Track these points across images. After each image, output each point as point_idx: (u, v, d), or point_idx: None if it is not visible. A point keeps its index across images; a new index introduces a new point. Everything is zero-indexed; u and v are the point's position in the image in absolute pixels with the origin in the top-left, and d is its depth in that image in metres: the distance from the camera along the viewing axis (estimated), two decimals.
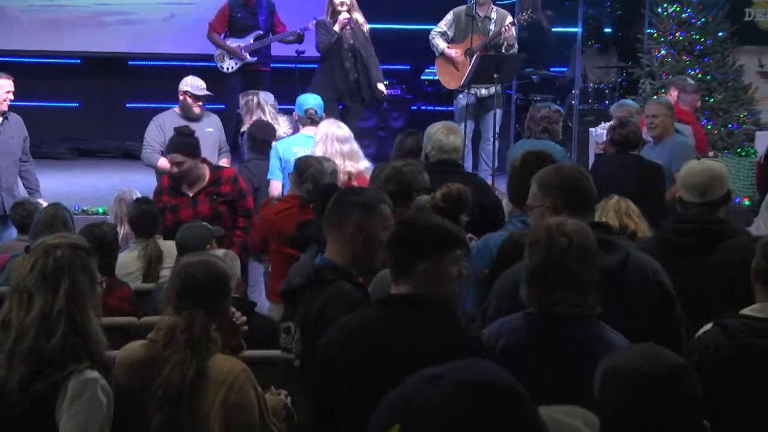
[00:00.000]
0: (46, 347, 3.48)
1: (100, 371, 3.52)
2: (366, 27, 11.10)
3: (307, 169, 6.74)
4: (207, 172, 7.52)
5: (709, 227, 4.93)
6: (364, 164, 7.75)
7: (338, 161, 7.42)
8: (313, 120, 8.46)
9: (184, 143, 7.47)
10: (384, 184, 5.67)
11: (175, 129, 7.74)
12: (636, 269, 4.24)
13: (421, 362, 2.03)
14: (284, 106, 10.02)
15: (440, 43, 11.27)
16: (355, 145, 7.85)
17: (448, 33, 11.28)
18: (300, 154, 7.52)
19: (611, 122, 8.64)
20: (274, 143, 8.54)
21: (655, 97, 11.53)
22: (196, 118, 9.53)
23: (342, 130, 7.83)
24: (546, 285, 3.69)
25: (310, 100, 8.67)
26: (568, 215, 4.02)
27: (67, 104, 14.66)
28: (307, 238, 6.23)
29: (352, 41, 10.99)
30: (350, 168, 7.62)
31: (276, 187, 8.11)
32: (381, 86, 11.15)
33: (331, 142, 7.66)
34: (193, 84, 9.60)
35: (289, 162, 7.74)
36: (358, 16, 11.04)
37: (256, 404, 3.70)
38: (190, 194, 7.47)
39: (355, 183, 7.46)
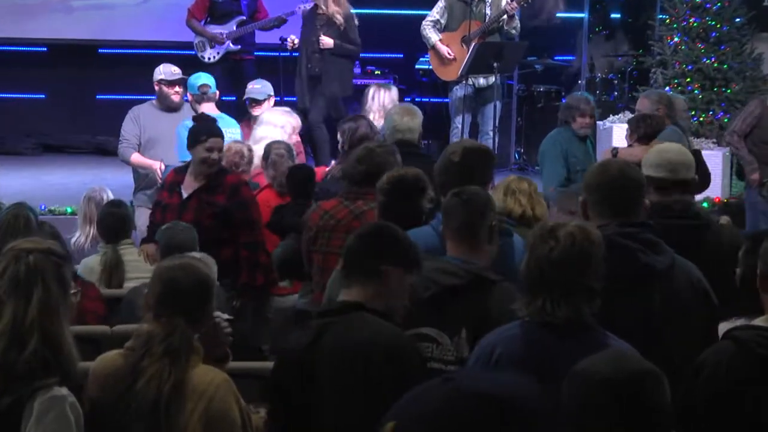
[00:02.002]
0: (18, 360, 3.45)
1: (70, 388, 3.48)
2: (339, 19, 11.07)
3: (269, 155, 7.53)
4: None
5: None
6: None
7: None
8: (207, 96, 9.06)
9: (217, 127, 7.22)
10: (355, 164, 5.86)
11: (194, 118, 7.64)
12: (683, 274, 4.32)
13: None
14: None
15: (432, 36, 11.23)
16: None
17: (441, 21, 11.25)
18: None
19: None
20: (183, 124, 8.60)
21: (667, 88, 11.54)
22: (176, 108, 9.52)
23: (293, 117, 8.64)
24: (536, 291, 3.73)
25: (202, 78, 9.23)
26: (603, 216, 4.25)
27: (33, 96, 14.63)
28: (287, 224, 6.41)
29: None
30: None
31: None
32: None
33: (285, 132, 8.31)
34: (165, 71, 9.60)
35: None
36: (336, 8, 11.06)
37: (238, 416, 3.70)
38: (185, 195, 7.11)
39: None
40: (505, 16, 11.00)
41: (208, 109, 8.96)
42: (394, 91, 9.75)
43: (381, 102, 9.53)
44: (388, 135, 7.19)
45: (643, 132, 8.04)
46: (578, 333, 3.71)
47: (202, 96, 9.09)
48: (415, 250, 4.05)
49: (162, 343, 3.65)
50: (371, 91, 9.74)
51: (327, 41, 11.02)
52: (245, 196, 7.06)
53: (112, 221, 6.77)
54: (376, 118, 9.03)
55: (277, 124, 8.71)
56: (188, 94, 9.32)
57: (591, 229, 3.84)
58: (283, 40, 11.45)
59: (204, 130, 7.12)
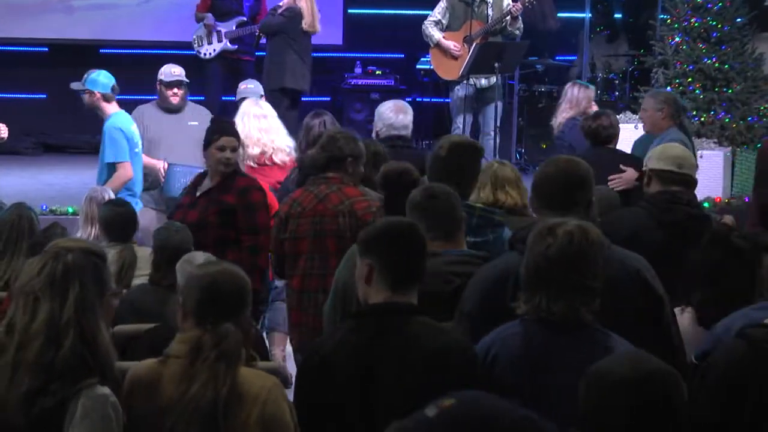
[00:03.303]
0: (55, 359, 3.47)
1: (110, 387, 3.53)
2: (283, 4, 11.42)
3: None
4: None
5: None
6: (285, 141, 8.45)
7: (255, 135, 8.44)
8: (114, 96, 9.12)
9: (230, 126, 7.21)
10: (319, 150, 6.23)
11: (212, 119, 7.64)
12: (618, 268, 4.26)
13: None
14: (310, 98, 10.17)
15: (435, 33, 11.29)
16: (275, 123, 8.60)
17: (443, 21, 11.30)
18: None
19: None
20: (111, 124, 8.84)
21: (668, 88, 11.61)
22: (176, 109, 9.54)
23: (259, 108, 8.67)
24: (534, 289, 3.77)
25: (109, 75, 9.23)
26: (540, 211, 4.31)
27: (34, 96, 14.69)
28: None
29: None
30: (266, 141, 8.47)
31: (129, 170, 8.68)
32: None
33: (248, 118, 8.48)
34: (165, 71, 9.61)
35: (132, 140, 8.78)
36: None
37: (291, 420, 3.71)
38: (197, 194, 7.12)
39: (273, 157, 8.40)
40: (508, 17, 11.08)
41: (115, 109, 9.02)
42: (591, 91, 9.81)
43: (575, 96, 9.57)
44: (383, 132, 7.61)
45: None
46: (576, 331, 3.74)
47: (112, 96, 9.02)
48: None
49: (214, 348, 3.64)
50: (568, 87, 9.79)
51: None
52: (254, 199, 6.96)
53: (122, 221, 6.81)
54: (567, 111, 9.42)
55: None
56: (97, 94, 9.14)
57: (590, 228, 3.86)
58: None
59: (216, 129, 7.13)
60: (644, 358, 2.94)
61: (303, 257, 6.15)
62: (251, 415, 3.64)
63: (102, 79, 9.06)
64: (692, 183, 5.59)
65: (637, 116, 8.82)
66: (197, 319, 3.74)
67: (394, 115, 7.69)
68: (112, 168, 8.81)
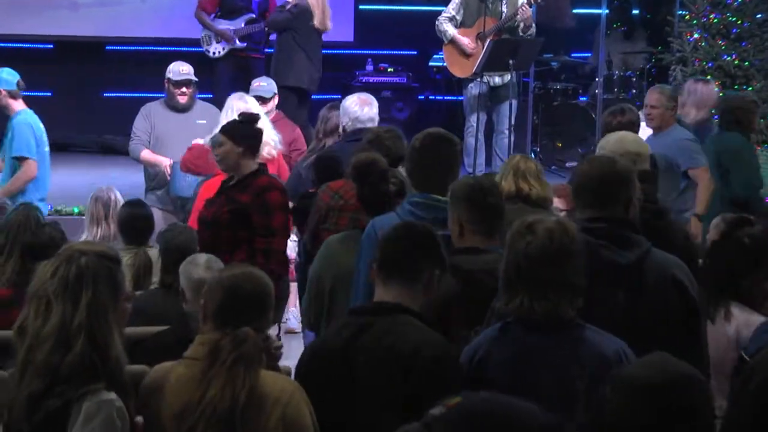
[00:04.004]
0: (63, 362, 3.49)
1: (118, 393, 3.53)
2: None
3: None
4: (246, 171, 6.85)
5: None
6: (270, 135, 8.30)
7: None
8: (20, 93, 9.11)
9: (231, 124, 7.07)
10: (366, 146, 6.35)
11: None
12: (656, 269, 4.32)
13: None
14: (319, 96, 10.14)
15: (449, 29, 11.27)
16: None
17: (457, 18, 11.30)
18: None
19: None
20: (21, 120, 8.84)
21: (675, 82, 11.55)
22: (183, 108, 9.54)
23: (244, 102, 8.60)
24: (514, 288, 3.80)
25: (12, 72, 9.20)
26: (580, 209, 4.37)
27: (38, 93, 14.58)
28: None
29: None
30: None
31: (34, 168, 8.74)
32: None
33: (232, 113, 8.30)
34: (174, 69, 9.61)
35: (41, 139, 8.91)
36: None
37: (311, 424, 3.74)
38: (220, 191, 6.95)
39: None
40: (522, 24, 11.05)
41: (22, 106, 9.05)
42: (713, 83, 9.74)
43: (701, 94, 9.43)
44: (349, 126, 7.77)
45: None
46: (559, 329, 3.77)
47: (17, 92, 9.05)
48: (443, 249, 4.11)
49: (233, 351, 3.67)
50: (689, 85, 9.69)
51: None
52: (271, 200, 6.77)
53: (139, 223, 6.80)
54: (696, 112, 9.22)
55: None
56: (1, 90, 9.10)
57: (570, 224, 3.90)
58: None
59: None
60: (670, 363, 2.94)
61: None
62: (271, 419, 3.67)
63: (5, 75, 9.06)
64: (649, 177, 5.49)
65: (647, 113, 8.76)
66: (217, 323, 3.79)
67: (359, 108, 7.86)
68: (16, 164, 8.73)
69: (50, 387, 3.49)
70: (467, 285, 4.41)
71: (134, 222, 6.80)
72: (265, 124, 8.50)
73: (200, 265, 5.31)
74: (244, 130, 6.88)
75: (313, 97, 11.65)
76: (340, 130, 8.01)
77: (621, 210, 4.40)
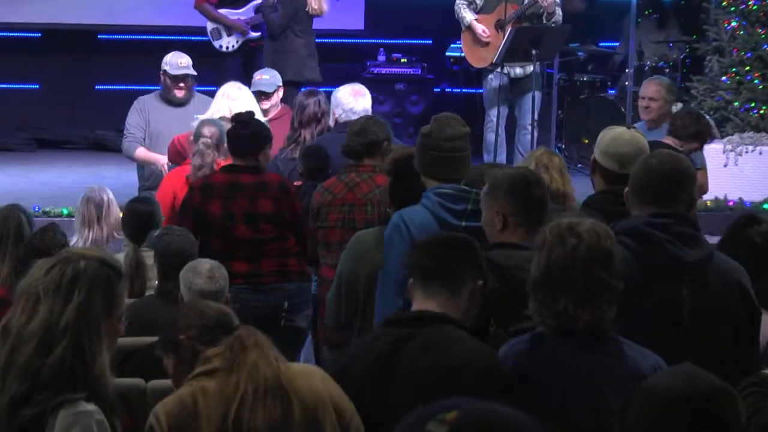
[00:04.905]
0: (42, 367, 3.49)
1: (99, 405, 3.53)
2: None
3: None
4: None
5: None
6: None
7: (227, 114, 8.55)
8: None
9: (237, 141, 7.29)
10: (353, 137, 6.62)
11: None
12: (720, 271, 4.46)
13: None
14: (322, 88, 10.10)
15: (467, 15, 11.27)
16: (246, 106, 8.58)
17: (477, 2, 11.29)
18: None
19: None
20: None
21: (724, 77, 11.54)
22: (180, 103, 9.54)
23: (237, 89, 8.88)
24: (557, 295, 3.82)
25: None
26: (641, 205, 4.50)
27: (25, 86, 14.72)
28: None
29: None
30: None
31: None
32: None
33: (225, 99, 8.74)
34: (171, 61, 9.61)
35: None
36: None
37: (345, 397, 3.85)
38: None
39: None
40: (544, 12, 11.03)
41: None
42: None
43: None
44: (342, 118, 7.97)
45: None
46: (597, 341, 3.84)
47: None
48: None
49: (250, 337, 3.78)
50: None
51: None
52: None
53: (135, 219, 6.87)
54: None
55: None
56: None
57: (605, 226, 3.99)
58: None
59: None
60: (699, 375, 2.97)
61: (333, 246, 6.50)
62: (315, 385, 3.78)
63: None
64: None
65: (645, 106, 8.83)
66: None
67: (353, 99, 8.12)
68: None
69: (31, 391, 3.48)
70: (503, 282, 4.45)
71: (128, 217, 6.89)
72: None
73: (202, 275, 5.32)
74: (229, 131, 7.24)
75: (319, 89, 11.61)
76: (331, 121, 8.21)
77: (684, 208, 4.53)
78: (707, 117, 8.31)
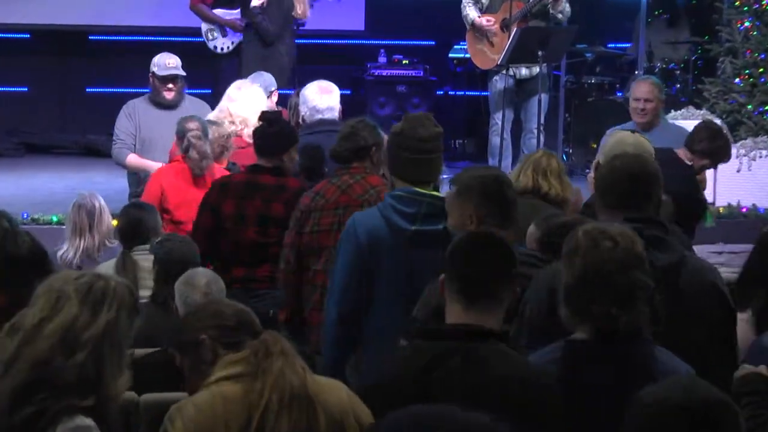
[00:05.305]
0: (58, 364, 3.47)
1: (99, 423, 3.51)
2: None
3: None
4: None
5: None
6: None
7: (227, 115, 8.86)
8: None
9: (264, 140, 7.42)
10: (341, 142, 6.55)
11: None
12: (693, 274, 4.54)
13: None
14: (285, 91, 10.07)
15: (471, 12, 11.27)
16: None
17: (483, 0, 11.28)
18: None
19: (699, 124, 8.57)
20: None
21: (737, 79, 11.54)
22: (170, 105, 9.53)
23: (236, 90, 9.04)
24: (596, 299, 3.83)
25: None
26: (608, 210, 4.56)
27: (13, 89, 14.72)
28: None
29: None
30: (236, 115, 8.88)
31: None
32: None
33: (225, 100, 9.00)
34: (159, 62, 9.62)
35: None
36: None
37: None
38: None
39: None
40: (550, 6, 11.03)
41: None
42: None
43: None
44: (308, 116, 8.07)
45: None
46: (635, 343, 3.87)
47: None
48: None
49: (275, 344, 3.75)
50: None
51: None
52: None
53: (123, 224, 6.89)
54: None
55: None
56: None
57: (632, 230, 4.05)
58: (298, 25, 11.48)
59: None
60: (698, 386, 3.02)
61: (326, 251, 6.37)
62: (341, 398, 3.76)
63: None
64: None
65: (641, 107, 8.85)
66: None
67: (318, 96, 8.23)
68: None
69: (36, 385, 3.46)
70: None
71: (121, 223, 6.93)
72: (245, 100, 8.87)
73: (199, 289, 5.29)
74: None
75: None
76: (300, 119, 8.37)
77: (653, 210, 4.61)
78: (727, 135, 8.21)
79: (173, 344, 4.35)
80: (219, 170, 8.12)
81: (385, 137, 6.41)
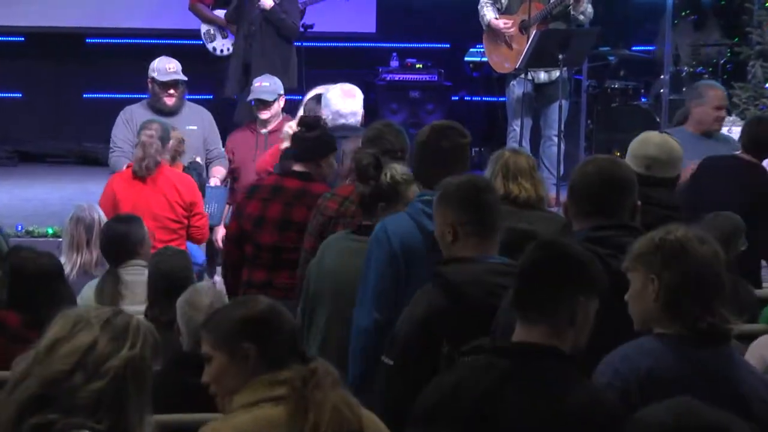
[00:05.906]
0: (77, 387, 3.43)
1: None
2: None
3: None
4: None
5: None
6: None
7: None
8: None
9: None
10: (368, 146, 6.56)
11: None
12: None
13: None
14: (290, 97, 10.06)
15: (488, 13, 11.27)
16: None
17: (502, 1, 11.28)
18: None
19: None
20: None
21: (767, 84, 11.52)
22: (170, 112, 9.51)
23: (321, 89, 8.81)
24: (700, 301, 4.00)
25: None
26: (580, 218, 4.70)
27: (7, 95, 14.74)
28: None
29: None
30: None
31: None
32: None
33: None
34: (159, 67, 9.60)
35: None
36: None
37: None
38: None
39: None
40: (571, 7, 11.02)
41: None
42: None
43: None
44: (330, 120, 7.98)
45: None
46: (721, 344, 4.04)
47: None
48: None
49: (327, 375, 3.74)
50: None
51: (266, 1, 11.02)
52: None
53: (106, 240, 6.87)
54: None
55: None
56: None
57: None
58: (306, 27, 11.49)
59: None
60: (695, 412, 3.02)
61: None
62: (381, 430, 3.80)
63: None
64: (666, 182, 6.11)
65: (722, 116, 8.86)
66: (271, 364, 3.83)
67: (342, 100, 8.22)
68: None
69: (46, 400, 3.42)
70: (454, 300, 4.62)
71: (103, 240, 6.93)
72: None
73: (202, 310, 5.24)
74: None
75: None
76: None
77: (628, 216, 4.69)
78: None
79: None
80: (170, 171, 8.27)
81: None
